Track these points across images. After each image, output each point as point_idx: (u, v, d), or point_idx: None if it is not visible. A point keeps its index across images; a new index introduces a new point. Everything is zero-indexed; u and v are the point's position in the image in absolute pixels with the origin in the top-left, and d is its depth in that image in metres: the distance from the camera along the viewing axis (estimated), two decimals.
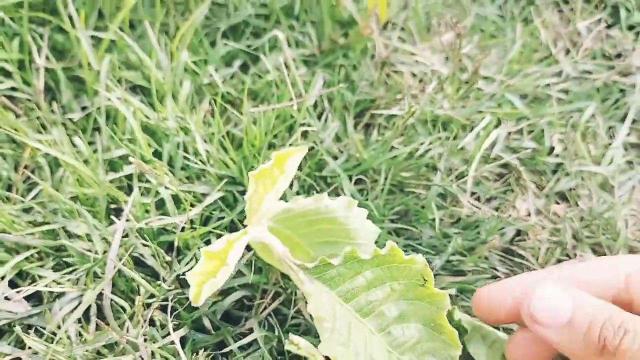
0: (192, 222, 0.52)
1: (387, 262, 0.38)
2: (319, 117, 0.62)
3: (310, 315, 0.50)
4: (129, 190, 0.55)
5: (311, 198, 0.44)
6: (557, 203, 0.59)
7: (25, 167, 0.57)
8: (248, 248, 0.53)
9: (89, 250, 0.51)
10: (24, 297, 0.50)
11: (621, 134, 0.64)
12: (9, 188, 0.56)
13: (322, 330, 0.36)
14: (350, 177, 0.58)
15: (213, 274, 0.36)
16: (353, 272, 0.38)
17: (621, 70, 0.69)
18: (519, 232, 0.58)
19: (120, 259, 0.49)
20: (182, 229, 0.51)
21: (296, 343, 0.45)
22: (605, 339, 0.33)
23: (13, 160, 0.57)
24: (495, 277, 0.55)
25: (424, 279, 0.37)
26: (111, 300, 0.47)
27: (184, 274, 0.51)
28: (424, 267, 0.37)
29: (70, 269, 0.50)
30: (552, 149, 0.63)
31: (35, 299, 0.51)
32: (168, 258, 0.51)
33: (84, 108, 0.61)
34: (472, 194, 0.59)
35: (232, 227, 0.54)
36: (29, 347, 0.46)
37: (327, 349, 0.35)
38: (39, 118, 0.60)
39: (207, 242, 0.52)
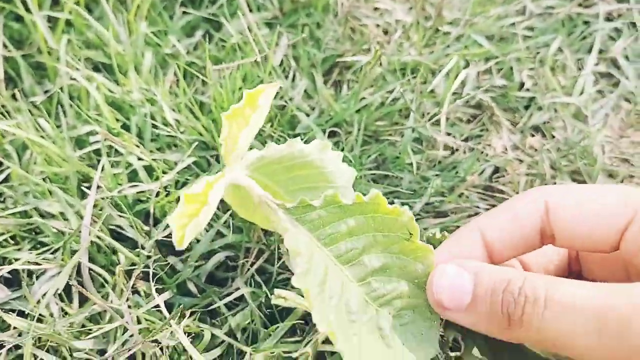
0: (166, 189, 0.52)
1: (371, 212, 0.36)
2: (287, 77, 0.61)
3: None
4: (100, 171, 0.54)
5: (285, 144, 0.43)
6: (533, 136, 0.59)
7: None
8: (225, 209, 0.52)
9: (65, 228, 0.50)
10: (3, 284, 0.49)
11: (589, 63, 0.64)
12: None
13: (296, 265, 0.34)
14: (324, 131, 0.57)
15: (195, 215, 0.35)
16: (335, 218, 0.36)
17: (582, 1, 0.69)
18: (497, 169, 0.58)
19: (96, 232, 0.48)
20: (157, 195, 0.50)
21: (283, 296, 0.45)
22: (507, 310, 0.29)
23: None
24: (477, 214, 0.54)
25: (410, 233, 0.35)
26: (92, 272, 0.46)
27: (163, 238, 0.51)
28: (410, 220, 0.35)
29: (47, 248, 0.49)
30: (522, 84, 0.63)
31: (15, 284, 0.50)
32: (146, 228, 0.50)
33: (46, 92, 0.60)
34: (448, 134, 0.58)
35: None
36: (14, 327, 0.45)
37: (300, 283, 0.34)
38: (4, 106, 0.58)
39: None
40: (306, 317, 0.47)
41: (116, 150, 0.55)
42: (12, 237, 0.50)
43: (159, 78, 0.60)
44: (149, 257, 0.47)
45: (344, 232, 0.36)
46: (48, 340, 0.44)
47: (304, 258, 0.34)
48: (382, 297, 0.35)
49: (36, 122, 0.56)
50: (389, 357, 0.34)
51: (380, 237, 0.36)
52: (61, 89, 0.58)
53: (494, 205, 0.55)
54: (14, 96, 0.59)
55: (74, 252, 0.49)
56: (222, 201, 0.52)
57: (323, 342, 0.44)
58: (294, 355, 0.42)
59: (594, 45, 0.66)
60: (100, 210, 0.50)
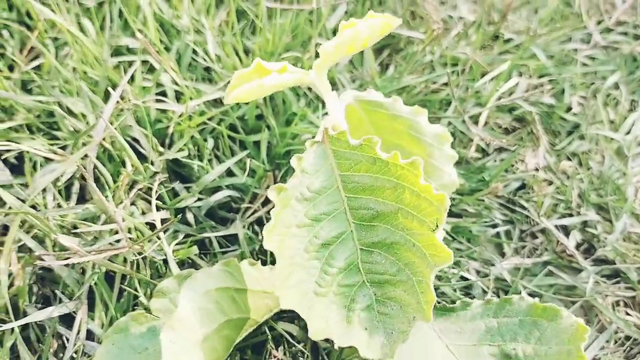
0: (190, 116, 0.51)
1: (408, 181, 0.33)
2: None
3: None
4: (131, 81, 0.54)
5: (390, 98, 0.43)
6: (569, 160, 0.57)
7: (31, 50, 0.56)
8: (243, 146, 0.51)
9: (82, 127, 0.49)
10: (9, 171, 0.48)
11: None
12: (11, 69, 0.54)
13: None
14: None
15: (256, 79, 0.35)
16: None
17: None
18: (523, 185, 0.56)
19: (112, 140, 0.47)
20: (180, 116, 0.49)
21: None
22: None
23: (19, 41, 0.55)
24: (494, 226, 0.52)
25: (437, 225, 0.33)
26: (96, 172, 0.45)
27: (175, 167, 0.50)
28: (443, 210, 0.32)
29: (59, 142, 0.49)
30: (570, 109, 0.61)
31: (21, 173, 0.49)
32: (161, 149, 0.50)
33: (100, 3, 0.60)
34: (482, 140, 0.57)
35: (233, 128, 0.52)
36: (9, 207, 0.44)
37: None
38: (56, 4, 0.58)
39: (201, 131, 0.51)
40: None
41: (150, 69, 0.54)
42: (29, 127, 0.50)
43: (211, 13, 0.59)
44: (155, 173, 0.46)
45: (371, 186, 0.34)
46: (36, 228, 0.43)
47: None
48: (377, 274, 0.33)
49: (81, 23, 0.56)
50: (342, 330, 0.32)
51: (407, 212, 0.33)
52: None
53: (510, 221, 0.53)
54: None
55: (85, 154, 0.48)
56: (241, 142, 0.51)
57: None
58: None
59: None
60: (122, 116, 0.49)
